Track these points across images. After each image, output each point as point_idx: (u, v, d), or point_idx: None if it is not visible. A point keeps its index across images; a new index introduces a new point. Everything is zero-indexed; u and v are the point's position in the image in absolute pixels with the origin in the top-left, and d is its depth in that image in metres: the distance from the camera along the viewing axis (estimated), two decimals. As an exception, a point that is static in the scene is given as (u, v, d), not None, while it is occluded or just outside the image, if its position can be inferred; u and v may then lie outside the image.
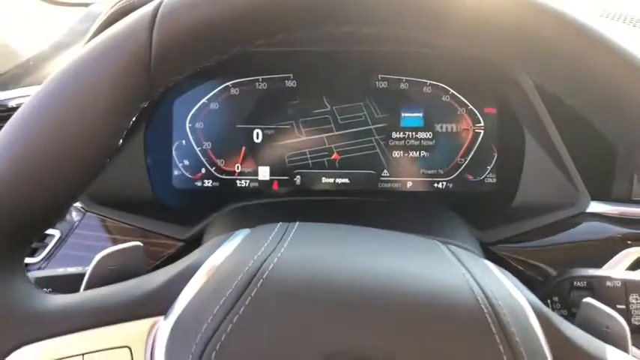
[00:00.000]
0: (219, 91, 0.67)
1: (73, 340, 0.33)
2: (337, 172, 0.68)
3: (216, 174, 0.68)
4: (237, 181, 0.68)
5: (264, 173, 0.68)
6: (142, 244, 0.39)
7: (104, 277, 0.37)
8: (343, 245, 0.38)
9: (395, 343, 0.32)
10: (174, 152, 0.68)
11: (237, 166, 0.68)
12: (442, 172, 0.69)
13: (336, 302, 0.32)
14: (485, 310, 0.33)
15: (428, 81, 0.68)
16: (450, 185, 0.69)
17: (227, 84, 0.67)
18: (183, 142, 0.68)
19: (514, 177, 0.66)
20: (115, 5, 0.63)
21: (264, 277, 0.33)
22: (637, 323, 0.43)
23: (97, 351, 0.33)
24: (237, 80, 0.67)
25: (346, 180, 0.68)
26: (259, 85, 0.68)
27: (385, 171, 0.68)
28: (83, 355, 0.33)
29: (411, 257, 0.37)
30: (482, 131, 0.68)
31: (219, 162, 0.68)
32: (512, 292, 0.36)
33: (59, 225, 0.62)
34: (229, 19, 0.32)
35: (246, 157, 0.68)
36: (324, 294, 0.33)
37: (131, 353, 0.33)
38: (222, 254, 0.36)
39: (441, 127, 0.68)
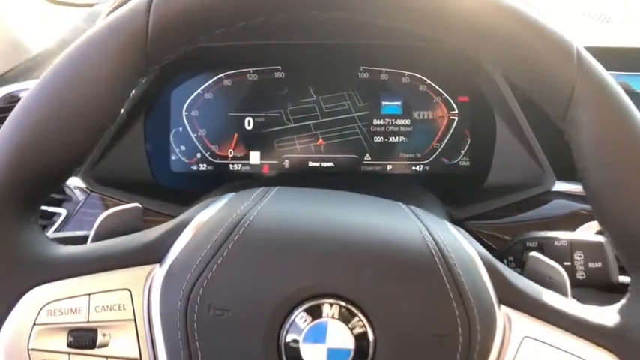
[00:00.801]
0: (213, 82, 0.73)
1: (81, 282, 0.38)
2: (323, 156, 0.73)
3: (210, 159, 0.74)
4: (230, 165, 0.74)
5: (255, 158, 0.74)
6: (140, 206, 0.45)
7: (107, 233, 0.43)
8: (315, 202, 0.43)
9: (355, 281, 0.37)
10: (171, 139, 0.73)
11: (230, 152, 0.74)
12: (419, 156, 0.74)
13: (304, 247, 0.38)
14: (436, 257, 0.38)
15: (406, 72, 0.73)
16: (427, 168, 0.74)
17: (220, 75, 0.73)
18: (180, 129, 0.73)
19: (486, 160, 0.72)
20: (115, 2, 0.69)
21: (243, 227, 0.38)
22: (580, 277, 0.48)
23: (101, 292, 0.38)
24: (230, 72, 0.73)
25: (331, 164, 0.73)
26: (250, 76, 0.73)
27: (367, 155, 0.74)
28: (90, 294, 0.38)
29: (374, 212, 0.42)
30: (456, 118, 0.73)
31: (213, 148, 0.74)
32: (463, 244, 0.41)
33: (66, 204, 0.68)
34: (213, 5, 0.38)
35: (238, 143, 0.73)
36: (295, 240, 0.38)
37: (131, 294, 0.39)
38: (209, 212, 0.41)
39: (419, 115, 0.73)
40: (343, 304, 0.36)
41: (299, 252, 0.37)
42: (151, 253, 0.40)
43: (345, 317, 0.36)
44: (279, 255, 0.37)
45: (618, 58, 0.69)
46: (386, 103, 0.73)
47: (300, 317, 0.36)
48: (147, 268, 0.39)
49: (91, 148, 0.39)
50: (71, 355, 0.38)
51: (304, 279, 0.37)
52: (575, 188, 0.68)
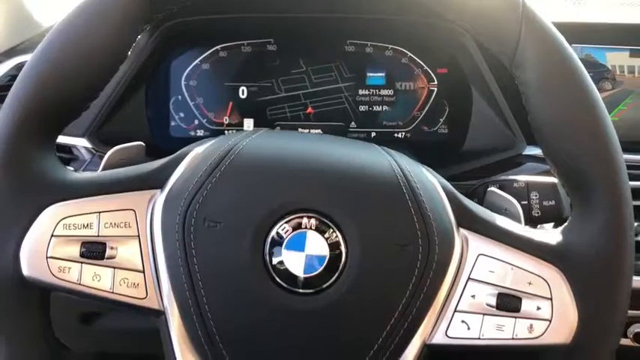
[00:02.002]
0: (209, 53, 0.79)
1: (92, 202, 0.44)
2: (311, 123, 0.79)
3: (207, 125, 0.79)
4: (226, 131, 0.79)
5: (248, 124, 0.79)
6: (143, 144, 0.50)
7: (114, 165, 0.48)
8: (298, 138, 0.49)
9: (330, 199, 0.42)
10: (171, 106, 0.79)
11: (226, 119, 0.79)
12: (401, 124, 0.80)
13: (287, 169, 0.43)
14: (401, 181, 0.44)
15: (389, 46, 0.79)
16: (409, 135, 0.80)
17: (217, 47, 0.79)
18: (179, 97, 0.79)
19: (463, 127, 0.77)
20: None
21: (234, 154, 0.44)
22: (536, 215, 0.53)
23: (109, 211, 0.44)
24: (226, 44, 0.78)
25: (319, 130, 0.79)
26: (244, 48, 0.79)
27: (353, 123, 0.79)
28: (99, 212, 0.44)
29: (350, 146, 0.48)
30: (435, 89, 0.79)
31: (210, 115, 0.79)
32: (427, 174, 0.47)
33: (73, 164, 0.73)
34: None
35: (233, 111, 0.79)
36: (279, 164, 0.44)
37: (135, 214, 0.44)
38: (204, 145, 0.47)
39: (401, 86, 0.79)
40: (320, 217, 0.42)
41: (282, 173, 0.43)
42: (153, 180, 0.45)
43: (321, 229, 0.42)
44: (264, 176, 0.43)
45: (583, 33, 0.74)
46: (370, 74, 0.79)
47: (282, 228, 0.42)
48: (150, 192, 0.45)
49: (102, 85, 0.45)
50: (83, 265, 0.43)
51: (286, 196, 0.42)
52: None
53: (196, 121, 0.79)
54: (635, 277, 0.65)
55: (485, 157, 0.75)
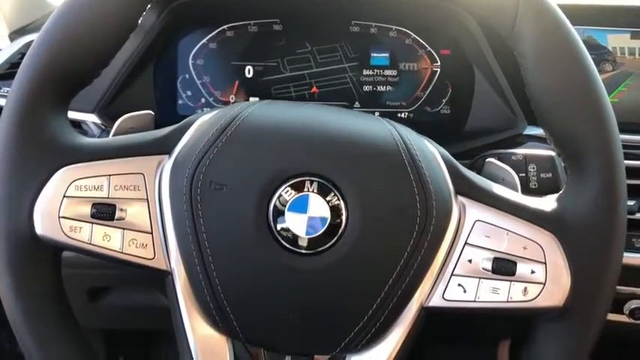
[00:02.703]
0: (216, 33, 0.80)
1: (102, 165, 0.46)
2: (316, 103, 0.80)
3: (213, 103, 0.81)
4: (231, 108, 0.81)
5: (254, 103, 0.81)
6: (152, 113, 0.52)
7: (124, 133, 0.50)
8: (302, 106, 0.50)
9: (332, 163, 0.44)
10: (178, 84, 0.80)
11: (232, 97, 0.81)
12: (405, 104, 0.81)
13: (291, 134, 0.45)
14: (401, 149, 0.45)
15: (393, 27, 0.80)
16: (411, 115, 0.81)
17: (223, 27, 0.80)
18: (187, 76, 0.80)
19: (465, 108, 0.79)
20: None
21: (239, 120, 0.46)
22: (533, 187, 0.55)
23: (119, 174, 0.46)
24: (232, 24, 0.80)
25: (323, 109, 0.80)
26: (251, 28, 0.80)
27: (357, 102, 0.81)
28: (110, 175, 0.45)
29: (352, 115, 0.49)
30: (438, 70, 0.80)
31: (216, 93, 0.81)
32: (427, 143, 0.48)
33: (83, 138, 0.75)
34: None
35: (239, 90, 0.81)
36: (283, 129, 0.45)
37: (144, 178, 0.46)
38: (210, 114, 0.48)
39: (404, 66, 0.80)
40: (322, 181, 0.43)
41: (286, 138, 0.45)
42: (162, 146, 0.47)
43: (323, 192, 0.43)
44: (269, 141, 0.45)
45: (585, 14, 0.75)
46: (375, 54, 0.80)
47: (285, 191, 0.43)
48: (158, 158, 0.47)
49: (113, 52, 0.46)
50: (94, 225, 0.45)
51: (289, 160, 0.44)
52: (542, 132, 0.75)
53: (203, 100, 0.81)
54: (631, 254, 0.67)
55: (487, 136, 0.76)
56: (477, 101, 0.78)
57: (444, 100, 0.81)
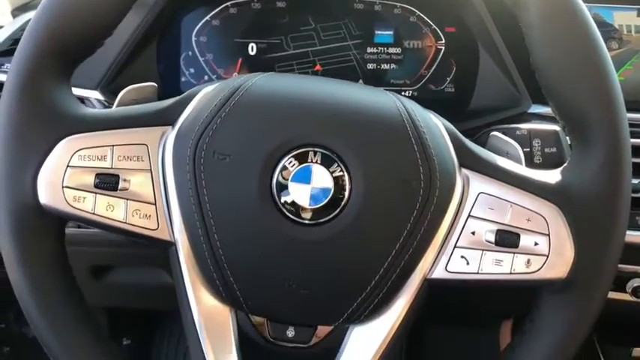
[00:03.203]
0: (220, 10, 0.79)
1: (106, 135, 0.45)
2: (320, 80, 0.80)
3: (216, 81, 0.80)
4: (235, 86, 0.80)
5: (257, 81, 0.80)
6: (156, 85, 0.52)
7: (127, 103, 0.50)
8: (306, 78, 0.50)
9: (335, 134, 0.44)
10: (181, 62, 0.80)
11: (235, 75, 0.80)
12: (409, 82, 0.80)
13: (294, 105, 0.45)
14: (406, 120, 0.45)
15: (398, 4, 0.79)
16: (415, 93, 0.81)
17: (227, 4, 0.79)
18: (190, 53, 0.80)
19: (469, 86, 0.78)
20: None
21: (242, 91, 0.45)
22: (537, 162, 0.55)
23: (122, 144, 0.45)
24: (235, 1, 0.79)
25: (327, 87, 0.80)
26: (254, 5, 0.79)
27: (360, 80, 0.80)
28: (113, 146, 0.45)
29: (356, 87, 0.49)
30: (443, 47, 0.80)
31: (219, 71, 0.80)
32: (431, 116, 0.48)
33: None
34: None
35: (242, 67, 0.80)
36: (286, 100, 0.45)
37: (148, 149, 0.46)
38: (214, 85, 0.48)
39: (409, 44, 0.80)
40: (325, 152, 0.43)
41: (289, 108, 0.44)
42: (165, 117, 0.47)
43: (327, 163, 0.43)
44: (272, 111, 0.44)
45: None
46: (379, 32, 0.79)
47: (289, 162, 0.43)
48: (161, 129, 0.47)
49: (116, 22, 0.46)
50: (97, 195, 0.45)
51: (293, 130, 0.44)
52: (547, 110, 0.75)
53: (206, 77, 0.80)
54: (634, 232, 0.67)
55: (491, 114, 0.75)
56: (481, 79, 0.78)
57: (448, 79, 0.80)
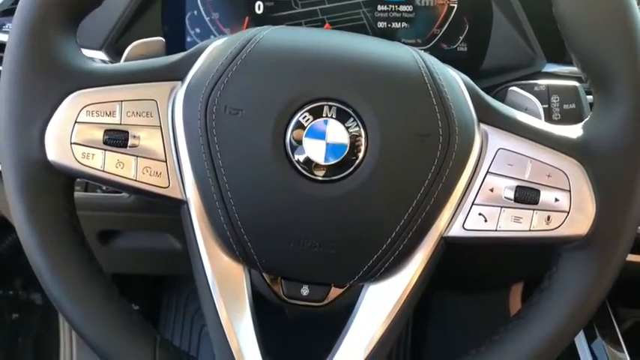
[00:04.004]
0: (226, -33, 0.77)
1: (114, 90, 0.44)
2: (329, 39, 0.78)
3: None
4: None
5: (265, 41, 0.78)
6: (164, 40, 0.50)
7: (135, 59, 0.48)
8: (320, 31, 0.48)
9: (351, 87, 0.42)
10: (187, 21, 0.78)
11: (242, 34, 0.78)
12: (420, 42, 0.78)
13: (309, 57, 0.43)
14: (424, 74, 0.44)
15: (409, -40, 0.77)
16: (427, 53, 0.79)
17: (233, -39, 0.77)
18: (195, 12, 0.78)
19: (482, 45, 0.76)
20: None
21: (254, 43, 0.44)
22: (556, 119, 0.53)
23: (131, 100, 0.44)
24: (242, -43, 0.77)
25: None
26: (261, -39, 0.77)
27: (371, 39, 0.78)
28: (122, 101, 0.44)
29: (372, 40, 0.48)
30: (455, 5, 0.77)
31: (225, 30, 0.78)
32: (450, 70, 0.46)
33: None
34: None
35: (249, 26, 0.78)
36: (300, 52, 0.44)
37: (157, 104, 0.45)
38: (224, 38, 0.47)
39: (420, 2, 0.77)
40: (341, 106, 0.42)
41: (304, 61, 0.43)
42: (174, 72, 0.46)
43: (342, 117, 0.42)
44: (286, 64, 0.43)
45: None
46: (390, -11, 0.77)
47: (303, 117, 0.42)
48: (170, 84, 0.45)
49: None
50: (106, 152, 0.44)
51: (308, 84, 0.42)
52: (563, 69, 0.73)
53: (212, 37, 0.78)
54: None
55: (504, 74, 0.74)
56: (494, 38, 0.75)
57: (460, 37, 0.78)
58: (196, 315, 1.18)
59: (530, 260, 0.68)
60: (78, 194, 0.72)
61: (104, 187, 0.71)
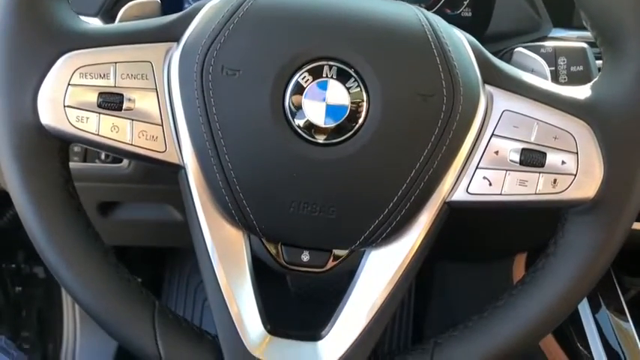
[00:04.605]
0: None
1: (107, 52, 0.43)
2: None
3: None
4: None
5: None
6: (159, 1, 0.49)
7: (129, 20, 0.47)
8: None
9: (352, 46, 0.41)
10: (185, -12, 0.76)
11: None
12: (424, 6, 0.76)
13: (308, 16, 0.42)
14: (428, 33, 0.42)
15: None
16: (431, 16, 0.77)
17: None
18: (192, -26, 0.76)
19: (487, 10, 0.74)
20: None
21: (250, 2, 0.42)
22: (563, 81, 0.52)
23: (126, 62, 0.43)
24: None
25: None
26: None
27: (372, 5, 0.76)
28: (116, 63, 0.43)
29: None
30: (460, -31, 0.75)
31: (224, -3, 0.77)
32: (455, 30, 0.45)
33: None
34: None
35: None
36: (299, 10, 0.42)
37: (152, 66, 0.43)
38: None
39: (424, -34, 0.76)
40: (341, 65, 0.41)
41: (303, 19, 0.42)
42: (169, 33, 0.44)
43: (343, 78, 0.41)
44: (284, 22, 0.41)
45: None
46: (392, -47, 0.75)
47: (302, 77, 0.41)
48: (166, 45, 0.44)
49: None
50: (101, 115, 0.43)
51: (307, 43, 0.41)
52: (570, 34, 0.71)
53: (211, 4, 0.77)
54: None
55: (510, 40, 0.72)
56: (499, 2, 0.73)
57: (465, 2, 0.76)
58: (199, 288, 1.19)
59: (534, 229, 0.68)
60: (76, 164, 0.71)
61: (102, 157, 0.71)
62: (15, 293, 1.07)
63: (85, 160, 0.71)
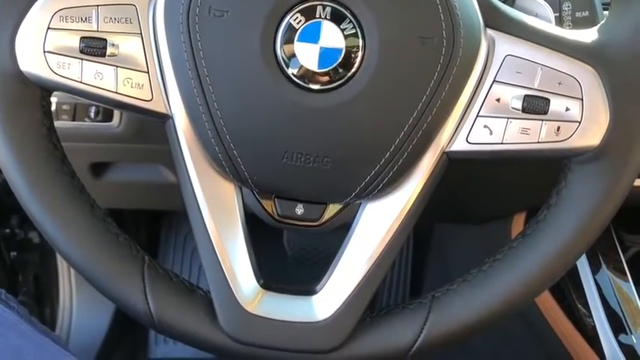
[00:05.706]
0: None
1: (90, -8, 0.41)
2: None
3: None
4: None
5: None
6: None
7: None
8: None
9: None
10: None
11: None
12: None
13: None
14: None
15: None
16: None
17: None
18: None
19: None
20: None
21: None
22: (567, 28, 0.50)
23: (109, 5, 0.41)
24: None
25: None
26: None
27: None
28: (98, 6, 0.40)
29: None
30: None
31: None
32: None
33: None
34: None
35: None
36: None
37: (137, 10, 0.41)
38: None
39: None
40: (335, 5, 0.39)
41: None
42: None
43: (337, 19, 0.39)
44: None
45: None
46: None
47: (294, 18, 0.39)
48: None
49: None
50: (84, 62, 0.41)
51: None
52: None
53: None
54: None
55: None
56: None
57: None
58: (195, 252, 1.18)
59: (534, 187, 0.66)
60: (66, 123, 0.69)
61: (92, 115, 0.69)
62: (10, 258, 1.07)
63: (74, 119, 0.69)
